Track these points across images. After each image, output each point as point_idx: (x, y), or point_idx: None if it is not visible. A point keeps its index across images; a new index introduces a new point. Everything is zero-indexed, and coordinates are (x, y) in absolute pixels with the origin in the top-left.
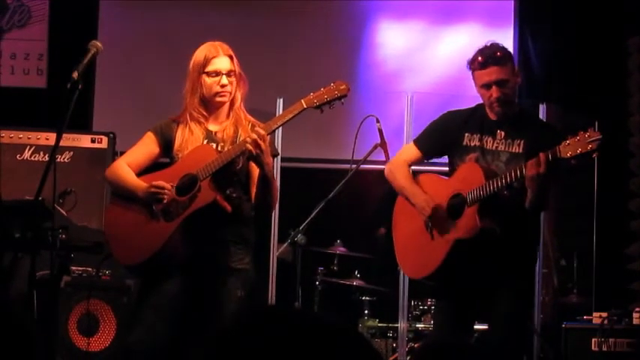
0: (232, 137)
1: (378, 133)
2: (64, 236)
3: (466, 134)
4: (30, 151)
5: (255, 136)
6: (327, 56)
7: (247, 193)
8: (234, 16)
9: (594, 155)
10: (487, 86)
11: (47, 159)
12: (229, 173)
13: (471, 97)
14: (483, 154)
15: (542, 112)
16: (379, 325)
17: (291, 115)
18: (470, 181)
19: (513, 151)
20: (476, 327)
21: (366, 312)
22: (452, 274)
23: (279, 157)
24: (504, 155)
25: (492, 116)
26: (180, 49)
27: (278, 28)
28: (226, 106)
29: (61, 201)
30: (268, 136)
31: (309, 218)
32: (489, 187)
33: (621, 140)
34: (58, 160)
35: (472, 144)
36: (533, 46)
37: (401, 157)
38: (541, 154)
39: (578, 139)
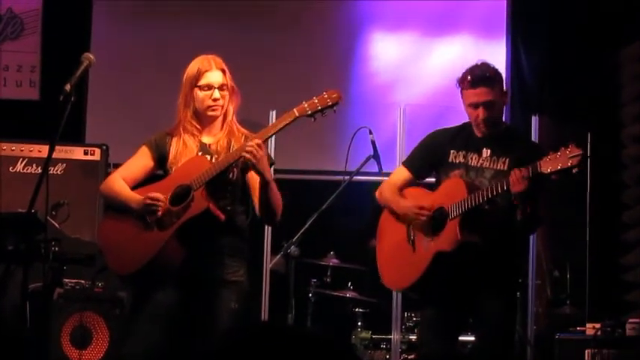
0: (226, 149)
1: (371, 145)
2: (56, 248)
3: (452, 151)
4: (23, 164)
5: (250, 146)
6: (319, 68)
7: (242, 205)
8: (226, 28)
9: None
10: (475, 106)
11: (40, 171)
12: (223, 183)
13: (463, 109)
14: (467, 171)
15: (534, 123)
16: (372, 336)
17: (283, 124)
18: (453, 195)
19: (498, 168)
20: (467, 339)
21: (359, 324)
22: (433, 286)
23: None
24: (489, 172)
25: (479, 134)
26: (173, 62)
27: (270, 40)
28: (220, 119)
29: (53, 213)
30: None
31: (302, 230)
32: (471, 201)
33: (614, 152)
34: (51, 172)
35: (457, 161)
36: (525, 58)
37: (391, 180)
38: (521, 169)
39: (559, 155)
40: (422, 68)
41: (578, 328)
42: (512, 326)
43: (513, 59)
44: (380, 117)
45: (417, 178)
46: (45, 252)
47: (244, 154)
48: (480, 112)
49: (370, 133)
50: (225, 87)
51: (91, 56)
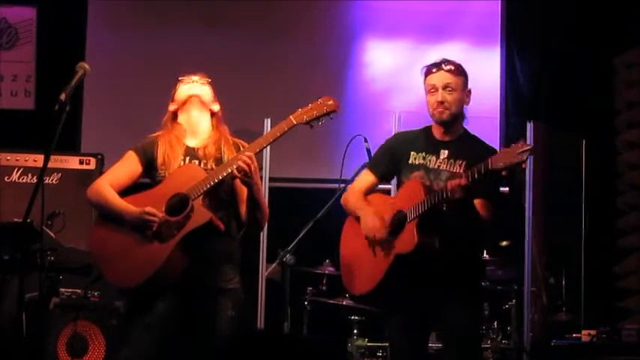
0: (215, 155)
1: (366, 153)
2: (52, 258)
3: (412, 153)
4: (18, 173)
5: (242, 160)
6: (314, 76)
7: (234, 210)
8: (220, 37)
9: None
10: (434, 90)
11: (35, 180)
12: (220, 192)
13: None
14: (427, 173)
15: (529, 130)
16: (368, 344)
17: (280, 133)
18: (411, 198)
19: (454, 171)
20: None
21: (355, 331)
22: (394, 290)
23: (266, 177)
24: (445, 174)
25: (438, 136)
26: (168, 71)
27: (265, 48)
28: (204, 122)
29: (49, 223)
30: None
31: (298, 238)
32: (428, 203)
33: (609, 158)
34: (47, 181)
35: (417, 162)
36: (520, 64)
37: (356, 185)
38: (460, 178)
39: (510, 151)
40: (417, 75)
41: (573, 335)
42: (475, 332)
43: (508, 66)
44: (375, 124)
45: (381, 181)
46: (41, 262)
47: (234, 171)
48: (439, 94)
49: (365, 140)
50: (203, 83)
51: (86, 65)
